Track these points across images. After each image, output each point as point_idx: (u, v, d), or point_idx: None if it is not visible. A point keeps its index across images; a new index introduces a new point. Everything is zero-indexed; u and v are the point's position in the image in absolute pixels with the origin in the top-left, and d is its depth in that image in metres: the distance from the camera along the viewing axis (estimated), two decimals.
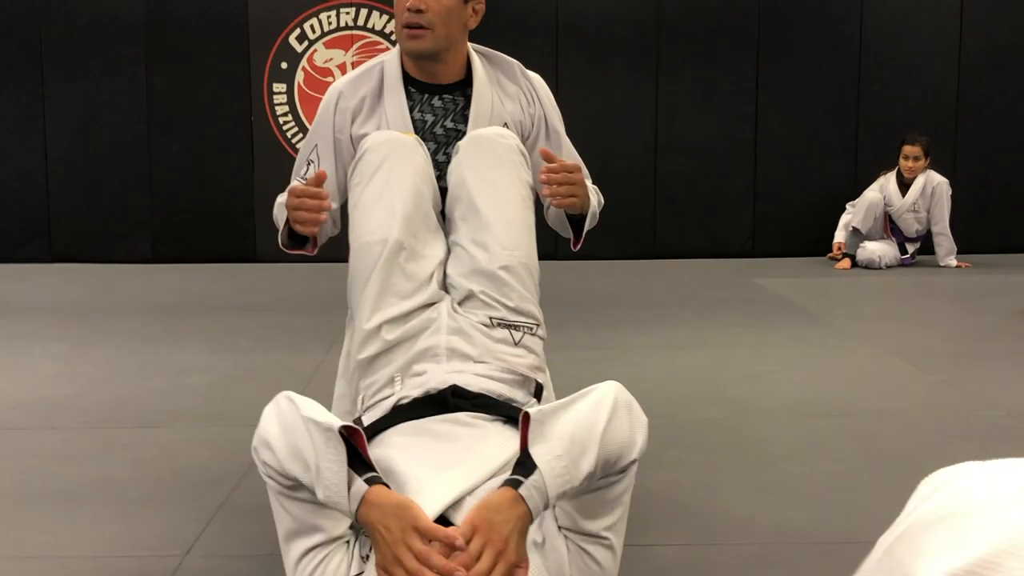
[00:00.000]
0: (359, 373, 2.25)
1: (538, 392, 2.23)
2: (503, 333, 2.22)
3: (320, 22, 7.81)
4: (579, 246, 2.65)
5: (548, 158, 2.40)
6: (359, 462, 1.73)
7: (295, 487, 1.80)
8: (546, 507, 1.74)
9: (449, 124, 2.54)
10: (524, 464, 1.73)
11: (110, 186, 7.90)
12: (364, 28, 7.82)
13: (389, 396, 2.14)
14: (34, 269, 7.57)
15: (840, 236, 7.79)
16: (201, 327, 5.39)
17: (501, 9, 7.68)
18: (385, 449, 1.92)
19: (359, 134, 2.49)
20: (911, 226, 7.65)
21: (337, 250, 2.63)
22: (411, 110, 2.53)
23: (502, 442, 1.95)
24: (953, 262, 7.56)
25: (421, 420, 2.03)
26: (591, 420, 1.78)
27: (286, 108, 7.87)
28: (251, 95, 7.85)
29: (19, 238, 7.90)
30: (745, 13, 7.99)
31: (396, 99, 2.52)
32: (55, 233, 7.93)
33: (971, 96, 8.11)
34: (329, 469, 1.70)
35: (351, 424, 1.76)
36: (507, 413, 2.05)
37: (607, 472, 1.81)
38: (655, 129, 8.04)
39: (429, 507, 1.72)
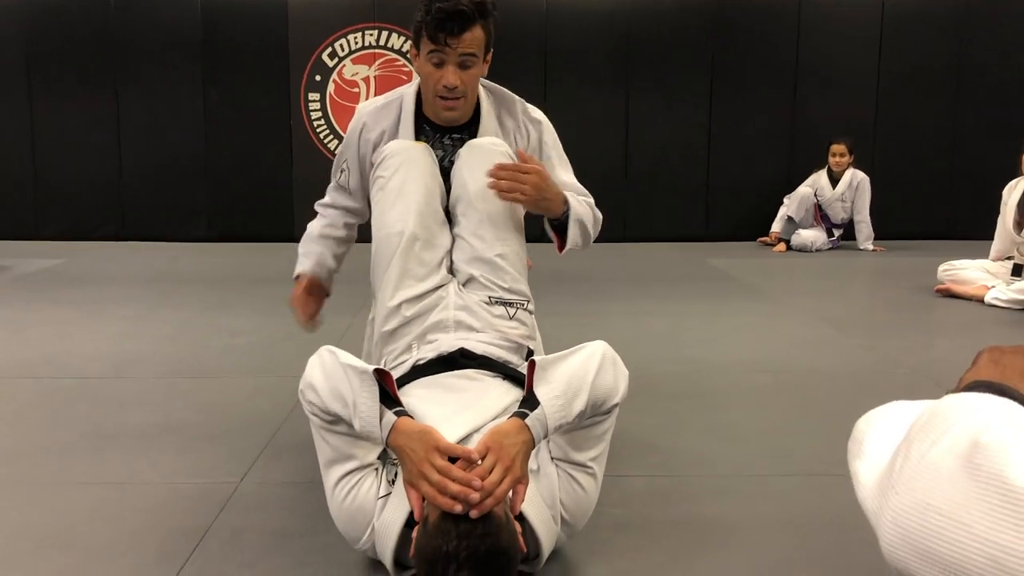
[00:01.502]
0: (382, 342, 2.25)
1: (529, 356, 2.22)
2: (500, 309, 2.22)
3: (348, 42, 7.75)
4: (563, 252, 2.49)
5: (521, 158, 2.33)
6: (388, 399, 1.76)
7: (335, 421, 1.81)
8: (545, 436, 1.76)
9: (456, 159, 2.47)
10: (529, 401, 1.77)
11: (173, 178, 7.86)
12: (384, 47, 7.77)
13: (407, 359, 2.14)
14: (109, 246, 7.55)
15: (777, 226, 7.80)
16: (248, 296, 5.38)
17: (499, 36, 7.62)
18: (407, 398, 1.92)
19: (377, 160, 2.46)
20: (838, 213, 7.66)
21: (361, 233, 2.62)
22: None
23: (501, 393, 1.97)
24: (870, 246, 7.57)
25: (436, 375, 2.04)
26: (584, 369, 1.81)
27: (320, 114, 7.82)
28: (290, 103, 7.80)
29: (97, 220, 7.88)
30: (701, 39, 7.95)
31: (410, 137, 2.42)
32: (127, 216, 7.90)
33: (887, 108, 8.09)
34: (364, 404, 1.73)
35: (382, 368, 1.78)
36: (504, 371, 2.07)
37: (595, 412, 1.84)
38: (626, 134, 8.02)
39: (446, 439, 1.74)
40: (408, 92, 2.46)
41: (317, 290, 2.64)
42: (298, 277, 2.62)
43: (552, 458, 1.89)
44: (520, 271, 2.29)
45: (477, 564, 1.56)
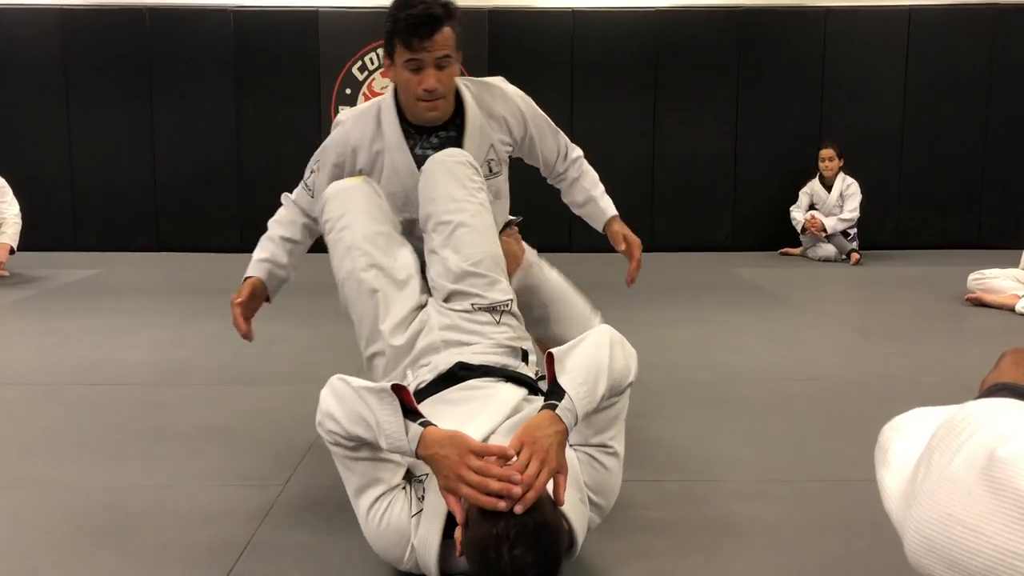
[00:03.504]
0: (381, 373, 2.29)
1: (525, 356, 2.25)
2: (485, 316, 2.24)
3: (378, 56, 7.82)
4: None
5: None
6: (408, 412, 1.77)
7: (357, 447, 1.84)
8: (576, 423, 1.79)
9: None
10: (555, 392, 1.80)
11: (206, 189, 7.97)
12: None
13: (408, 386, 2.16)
14: (145, 257, 7.66)
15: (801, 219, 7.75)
16: (284, 304, 5.37)
17: (526, 48, 7.70)
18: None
19: (359, 169, 2.57)
20: (835, 214, 7.65)
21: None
22: (412, 148, 2.52)
23: (508, 394, 2.02)
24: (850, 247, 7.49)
25: (439, 393, 2.07)
26: (598, 355, 1.86)
27: None
28: (321, 115, 7.89)
29: (132, 231, 7.99)
30: (727, 49, 7.97)
31: (397, 144, 2.51)
32: (162, 227, 8.02)
33: (914, 117, 8.07)
34: (387, 421, 1.75)
35: (398, 383, 1.80)
36: (506, 374, 2.10)
37: (612, 394, 1.88)
38: (652, 145, 8.04)
39: None
40: (386, 99, 2.54)
41: (259, 297, 2.80)
42: (247, 279, 2.76)
43: (570, 444, 1.90)
44: (498, 272, 2.33)
45: (529, 539, 1.61)
